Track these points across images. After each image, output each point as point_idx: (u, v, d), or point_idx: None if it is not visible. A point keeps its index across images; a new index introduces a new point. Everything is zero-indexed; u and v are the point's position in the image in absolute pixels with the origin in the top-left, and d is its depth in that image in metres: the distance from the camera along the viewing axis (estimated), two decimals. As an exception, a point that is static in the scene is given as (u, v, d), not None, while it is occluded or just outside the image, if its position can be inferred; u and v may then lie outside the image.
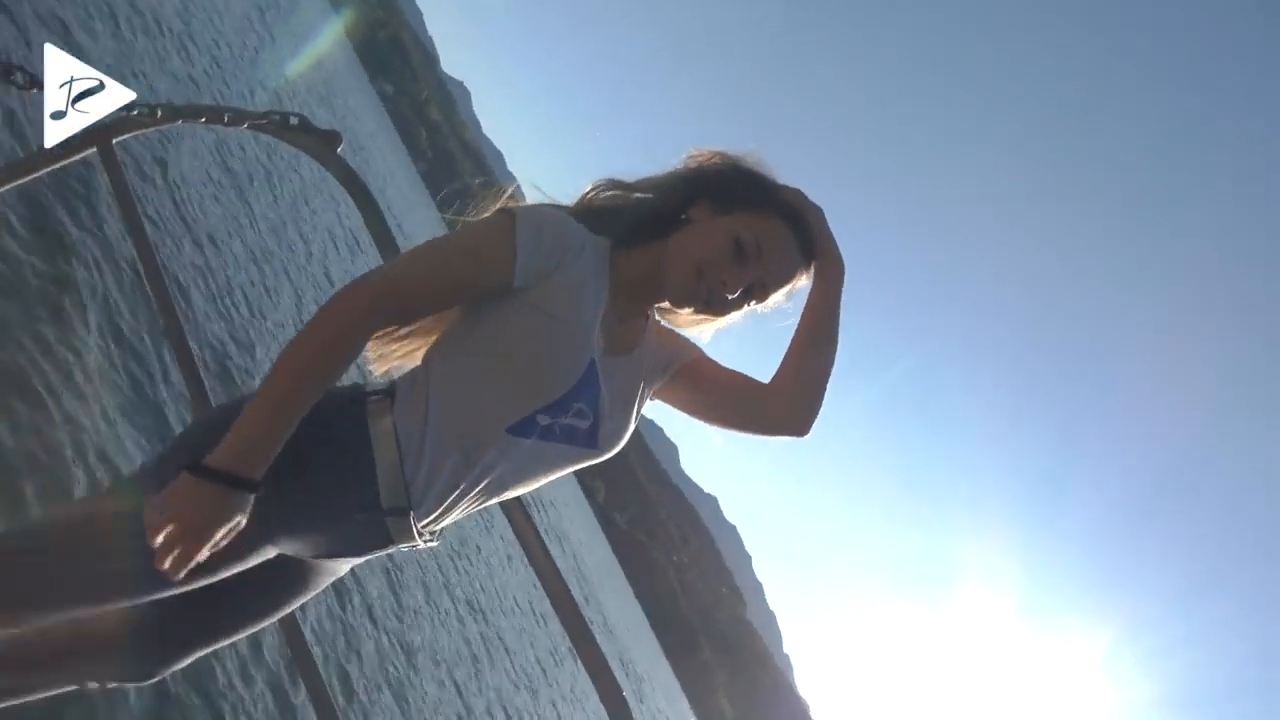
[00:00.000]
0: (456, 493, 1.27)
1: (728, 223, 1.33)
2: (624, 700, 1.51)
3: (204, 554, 1.10)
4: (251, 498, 1.11)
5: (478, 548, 10.31)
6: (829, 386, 1.43)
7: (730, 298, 1.34)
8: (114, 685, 1.43)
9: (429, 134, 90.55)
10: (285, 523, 1.22)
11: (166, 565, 1.09)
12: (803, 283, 1.43)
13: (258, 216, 7.07)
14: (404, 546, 1.30)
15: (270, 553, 1.26)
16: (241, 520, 1.11)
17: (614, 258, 1.35)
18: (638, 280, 1.36)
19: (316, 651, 3.85)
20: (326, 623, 4.16)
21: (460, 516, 1.34)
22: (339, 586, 4.65)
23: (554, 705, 9.13)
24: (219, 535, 1.10)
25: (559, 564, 1.64)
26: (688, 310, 1.38)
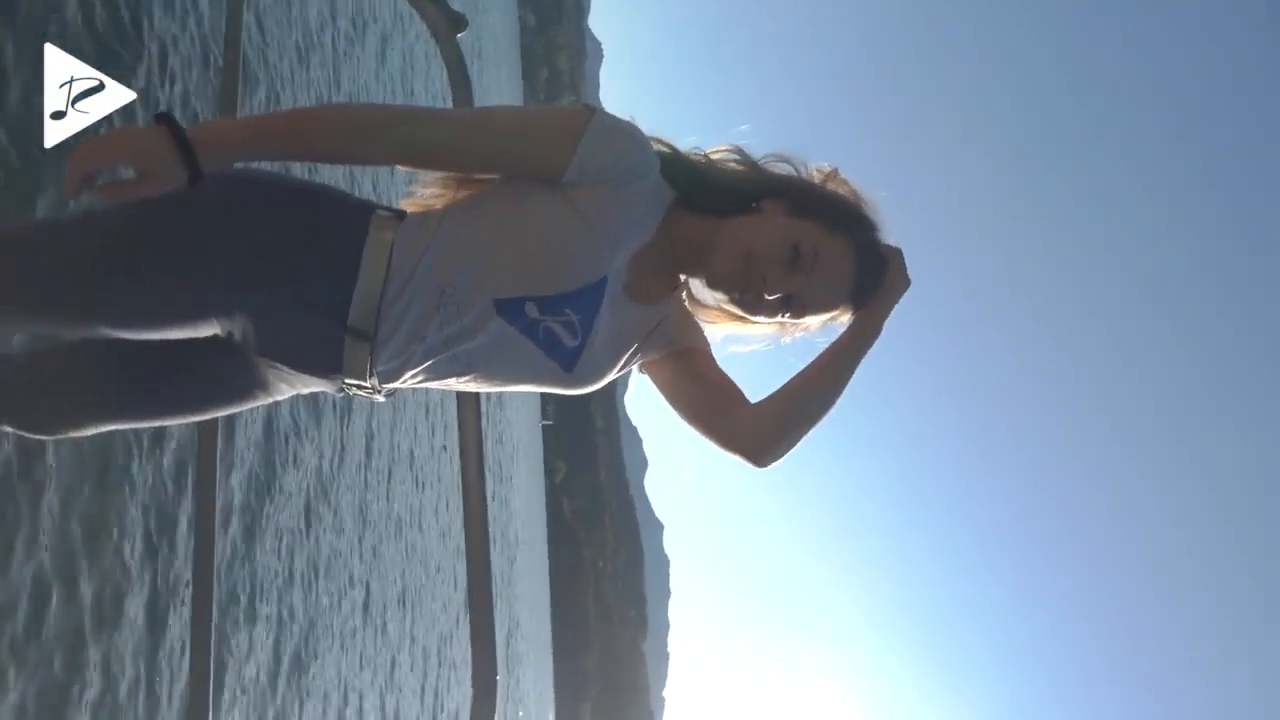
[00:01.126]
0: (422, 345, 1.25)
1: (795, 225, 1.29)
2: (492, 647, 1.49)
3: (108, 193, 1.08)
4: (180, 177, 1.09)
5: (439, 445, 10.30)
6: (806, 435, 1.37)
7: (767, 298, 1.29)
8: (10, 429, 1.40)
9: (550, 77, 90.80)
10: (251, 288, 1.21)
11: (68, 170, 1.07)
12: (843, 319, 1.38)
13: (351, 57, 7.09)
14: (351, 383, 1.28)
15: (219, 326, 1.24)
16: (157, 187, 1.09)
17: (673, 210, 1.32)
18: (684, 244, 1.32)
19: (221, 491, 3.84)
20: (247, 468, 4.17)
21: (417, 384, 1.32)
22: (275, 423, 4.66)
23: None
24: (124, 162, 1.07)
25: (491, 500, 1.61)
26: (720, 296, 1.34)
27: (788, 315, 1.33)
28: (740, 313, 1.35)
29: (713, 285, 1.32)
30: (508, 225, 1.23)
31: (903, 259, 1.36)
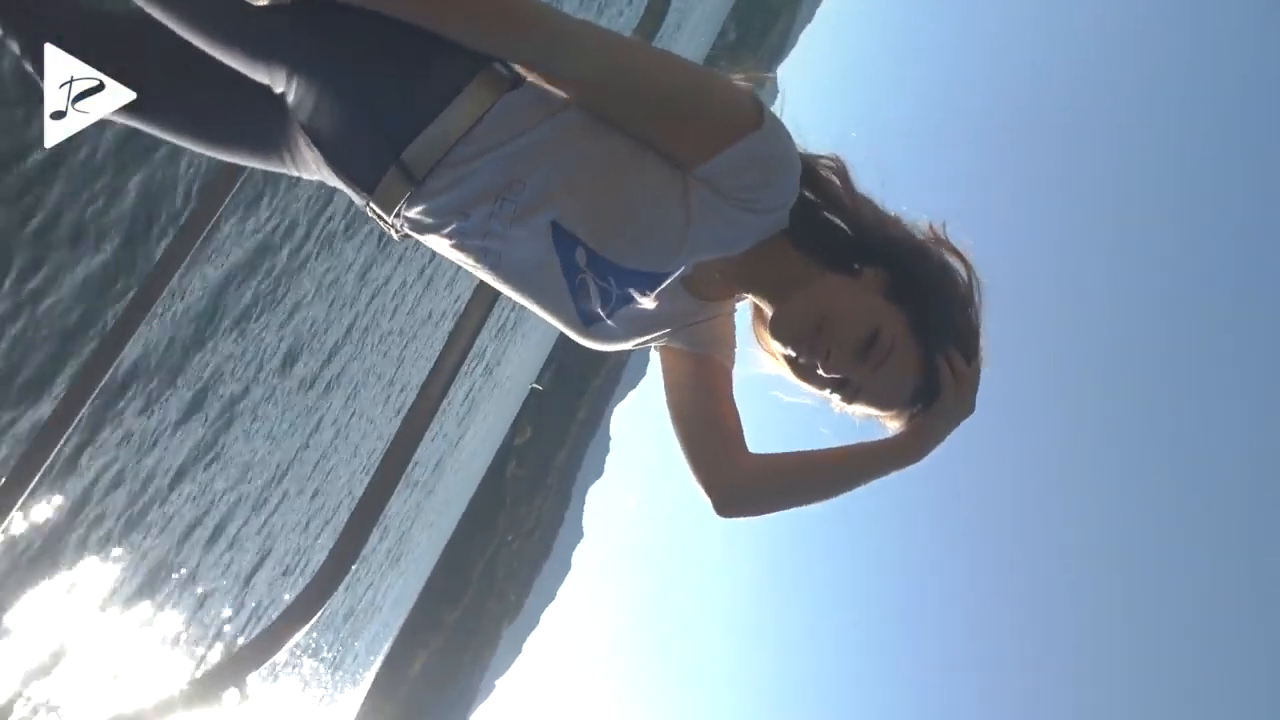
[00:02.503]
0: (463, 223, 1.16)
1: (885, 311, 1.19)
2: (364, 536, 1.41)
3: None
4: None
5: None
6: (783, 511, 1.29)
7: (820, 372, 1.19)
8: (28, 65, 1.25)
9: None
10: (334, 54, 1.12)
11: None
12: (889, 425, 1.27)
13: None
14: (374, 210, 1.20)
15: (280, 79, 1.15)
16: None
17: (777, 238, 1.20)
18: (770, 271, 1.22)
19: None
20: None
21: (438, 247, 1.23)
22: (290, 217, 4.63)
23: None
24: None
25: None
26: (778, 345, 1.23)
27: (836, 396, 1.22)
28: (787, 368, 1.25)
29: (774, 330, 1.21)
30: (615, 167, 1.11)
31: (976, 382, 1.23)
